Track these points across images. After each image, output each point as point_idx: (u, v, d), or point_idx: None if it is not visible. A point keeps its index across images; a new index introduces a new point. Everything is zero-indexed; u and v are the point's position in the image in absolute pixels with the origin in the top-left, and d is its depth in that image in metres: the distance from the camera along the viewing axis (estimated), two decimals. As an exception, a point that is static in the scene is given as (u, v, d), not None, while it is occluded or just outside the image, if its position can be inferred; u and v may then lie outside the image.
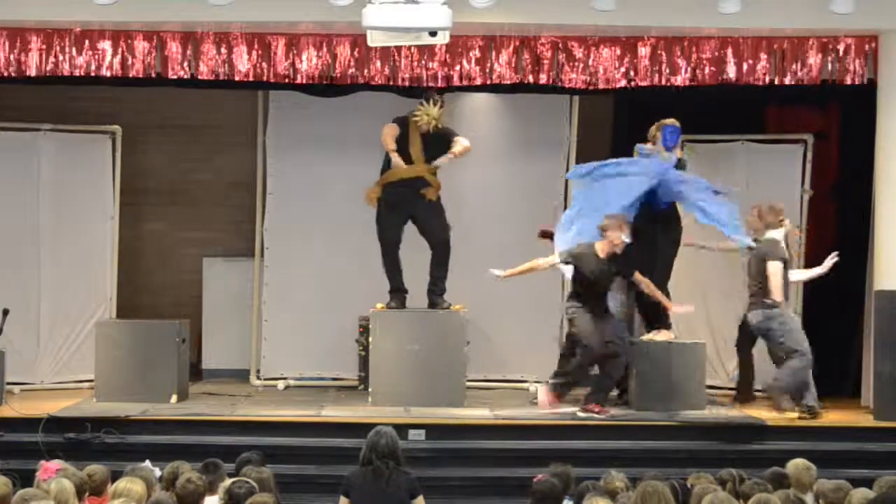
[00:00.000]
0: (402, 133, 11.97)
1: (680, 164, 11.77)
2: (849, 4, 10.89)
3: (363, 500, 7.51)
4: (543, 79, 11.78)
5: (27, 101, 13.39)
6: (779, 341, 11.47)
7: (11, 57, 11.42)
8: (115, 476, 7.58)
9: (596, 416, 11.05)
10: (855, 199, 12.57)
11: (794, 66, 11.59)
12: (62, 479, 7.10)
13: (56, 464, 7.55)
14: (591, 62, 11.72)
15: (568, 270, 11.29)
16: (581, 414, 11.11)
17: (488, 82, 11.86)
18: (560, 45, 11.74)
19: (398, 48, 11.53)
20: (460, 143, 12.02)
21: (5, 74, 11.51)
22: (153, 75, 11.62)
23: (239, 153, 14.20)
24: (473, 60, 11.72)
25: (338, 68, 11.69)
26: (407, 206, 12.02)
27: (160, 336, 11.82)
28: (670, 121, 11.74)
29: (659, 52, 11.67)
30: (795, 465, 8.06)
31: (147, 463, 7.85)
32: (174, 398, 11.63)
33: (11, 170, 12.85)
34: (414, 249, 12.20)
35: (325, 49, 11.67)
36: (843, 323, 12.89)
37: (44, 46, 11.45)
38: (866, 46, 11.52)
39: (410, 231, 12.18)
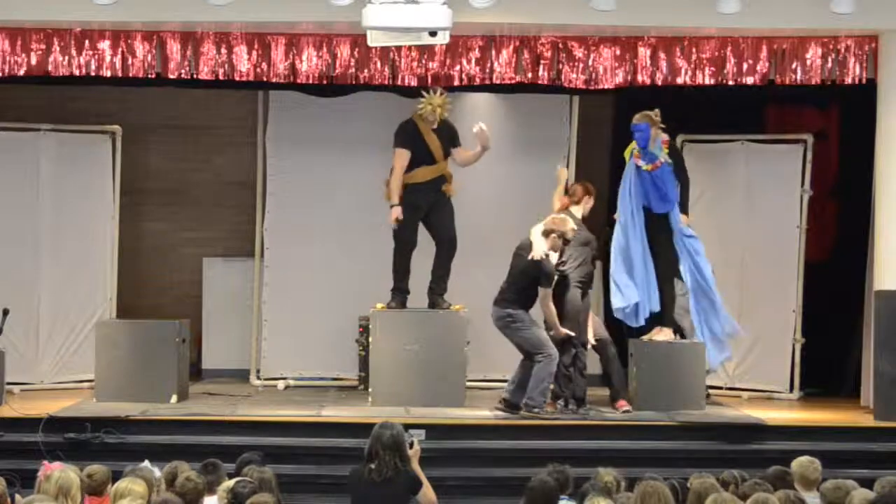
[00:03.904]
0: (415, 136, 11.93)
1: (671, 148, 11.66)
2: (849, 4, 10.89)
3: (363, 499, 7.50)
4: (543, 79, 11.78)
5: (27, 101, 13.39)
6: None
7: (11, 57, 11.43)
8: (115, 476, 7.57)
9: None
10: (855, 199, 12.57)
11: (794, 66, 11.59)
12: (68, 471, 7.12)
13: (57, 464, 7.54)
14: (591, 62, 11.72)
15: None
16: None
17: (488, 82, 11.86)
18: (560, 45, 11.74)
19: (398, 48, 11.53)
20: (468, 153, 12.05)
21: (5, 74, 11.51)
22: (153, 75, 11.62)
23: (239, 153, 14.20)
24: (473, 60, 11.73)
25: (338, 68, 11.70)
26: (424, 204, 11.99)
27: (160, 336, 11.82)
28: (636, 118, 11.52)
29: (659, 52, 11.67)
30: (800, 462, 8.06)
31: (146, 463, 7.85)
32: (174, 398, 11.63)
33: (11, 170, 12.85)
34: (415, 250, 12.19)
35: (325, 49, 11.67)
36: (843, 323, 12.89)
37: (44, 46, 11.45)
38: (866, 46, 11.52)
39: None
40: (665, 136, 11.58)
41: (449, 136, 12.04)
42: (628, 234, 11.57)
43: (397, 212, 11.79)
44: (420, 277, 12.15)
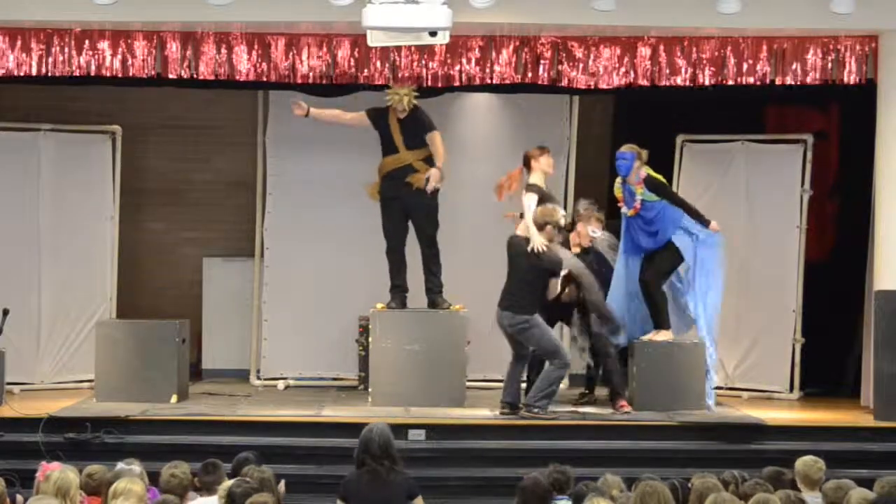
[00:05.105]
0: (383, 123, 11.98)
1: (649, 183, 11.61)
2: (849, 4, 10.89)
3: (361, 503, 7.48)
4: (543, 79, 11.78)
5: (27, 101, 13.38)
6: None
7: (11, 57, 11.42)
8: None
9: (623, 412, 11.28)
10: (855, 199, 12.57)
11: (794, 66, 11.59)
12: (66, 471, 7.12)
13: (56, 465, 7.55)
14: (591, 62, 11.71)
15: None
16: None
17: (488, 82, 11.86)
18: (560, 45, 11.74)
19: (398, 48, 11.53)
20: (437, 149, 11.96)
21: (5, 74, 11.51)
22: (153, 75, 11.62)
23: (239, 153, 14.20)
24: (473, 60, 11.73)
25: (338, 68, 11.70)
26: (399, 198, 12.00)
27: (160, 336, 11.82)
28: (623, 147, 11.55)
29: (659, 52, 11.67)
30: (804, 461, 8.05)
31: (121, 465, 7.82)
32: (174, 398, 11.63)
33: (11, 170, 12.85)
34: (413, 248, 12.20)
35: (325, 49, 11.68)
36: (843, 323, 12.89)
37: (44, 46, 11.45)
38: (866, 46, 11.52)
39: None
40: (644, 173, 11.52)
41: (413, 129, 11.95)
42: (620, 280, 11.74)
43: (304, 106, 12.00)
44: (420, 277, 12.15)
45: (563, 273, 11.17)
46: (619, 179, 11.67)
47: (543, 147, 11.84)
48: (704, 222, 11.55)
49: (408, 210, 12.03)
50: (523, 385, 11.48)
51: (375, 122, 12.06)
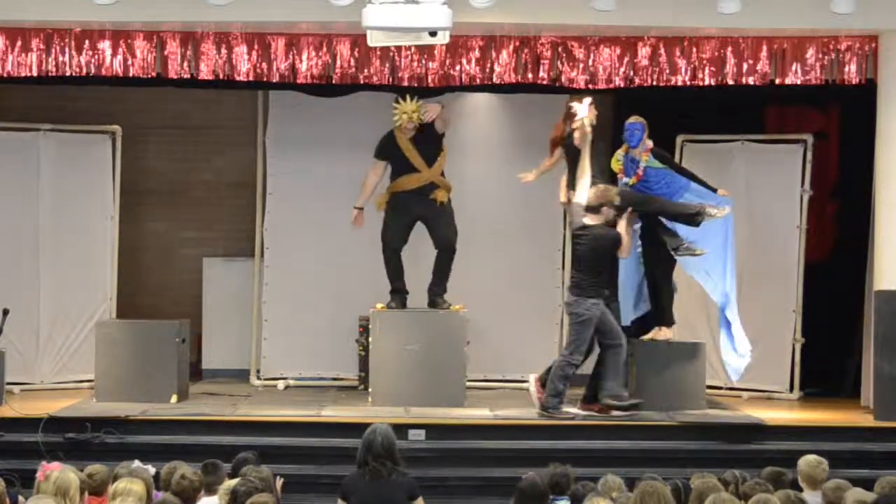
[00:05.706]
0: (393, 149, 12.01)
1: (656, 153, 11.65)
2: (849, 4, 10.89)
3: (362, 503, 7.47)
4: (543, 79, 11.78)
5: (27, 101, 13.39)
6: None
7: (11, 57, 11.43)
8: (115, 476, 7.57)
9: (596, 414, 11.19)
10: (855, 199, 12.57)
11: (794, 66, 11.59)
12: (66, 471, 7.12)
13: (56, 465, 7.55)
14: (591, 62, 11.72)
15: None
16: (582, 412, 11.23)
17: (488, 82, 11.86)
18: (560, 45, 11.74)
19: (398, 48, 11.53)
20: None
21: (5, 74, 11.51)
22: (153, 75, 11.62)
23: (239, 153, 14.21)
24: (473, 60, 11.72)
25: (338, 68, 11.70)
26: (414, 210, 12.03)
27: (160, 336, 11.82)
28: (632, 118, 11.68)
29: (659, 52, 11.67)
30: (808, 461, 8.06)
31: (137, 463, 7.83)
32: (174, 398, 11.63)
33: (11, 170, 12.85)
34: (414, 249, 12.21)
35: (325, 49, 11.68)
36: (843, 323, 12.89)
37: (44, 46, 11.45)
38: (866, 46, 11.53)
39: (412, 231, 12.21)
40: (650, 143, 11.59)
41: (428, 143, 12.01)
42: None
43: (356, 214, 12.12)
44: (420, 277, 12.16)
45: (626, 214, 11.20)
46: (618, 151, 11.71)
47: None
48: (712, 189, 11.62)
49: (426, 220, 12.05)
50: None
51: (385, 155, 12.09)
